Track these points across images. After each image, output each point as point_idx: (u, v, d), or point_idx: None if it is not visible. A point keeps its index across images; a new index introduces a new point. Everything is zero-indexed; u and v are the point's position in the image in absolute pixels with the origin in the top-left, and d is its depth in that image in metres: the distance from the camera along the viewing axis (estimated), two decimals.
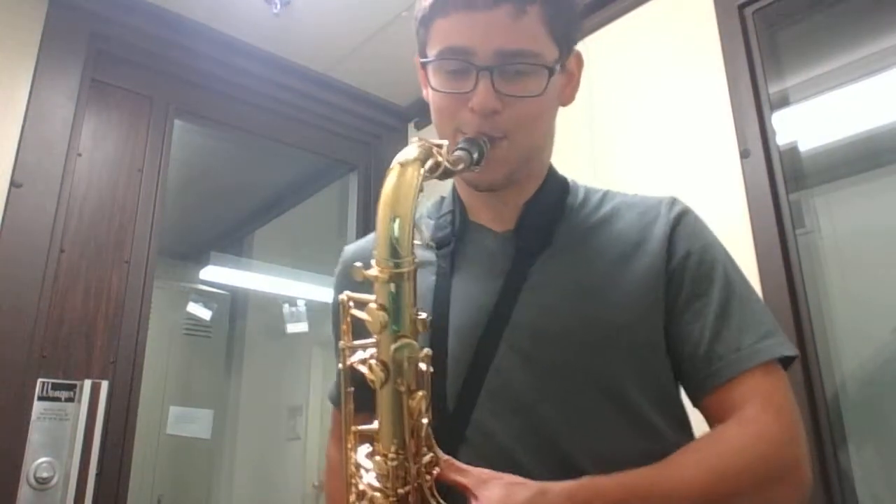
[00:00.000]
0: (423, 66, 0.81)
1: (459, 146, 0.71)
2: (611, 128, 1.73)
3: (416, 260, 0.63)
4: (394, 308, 0.61)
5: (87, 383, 1.64)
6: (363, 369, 0.63)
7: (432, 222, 0.88)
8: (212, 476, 3.51)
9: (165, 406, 2.96)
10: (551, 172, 0.87)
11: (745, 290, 0.77)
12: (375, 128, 2.49)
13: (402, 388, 0.62)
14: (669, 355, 0.76)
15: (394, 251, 0.61)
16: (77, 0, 1.81)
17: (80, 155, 1.78)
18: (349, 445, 0.68)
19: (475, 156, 0.71)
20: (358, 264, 0.62)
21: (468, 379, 0.74)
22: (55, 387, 1.60)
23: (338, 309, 0.91)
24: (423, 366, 0.64)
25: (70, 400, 1.61)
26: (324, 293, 3.28)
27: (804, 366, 1.33)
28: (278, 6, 1.93)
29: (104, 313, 1.73)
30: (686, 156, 1.61)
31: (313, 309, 3.40)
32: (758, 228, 1.43)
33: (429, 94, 0.83)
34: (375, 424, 0.64)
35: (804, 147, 1.56)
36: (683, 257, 0.77)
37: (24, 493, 1.51)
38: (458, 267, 0.82)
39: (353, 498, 0.67)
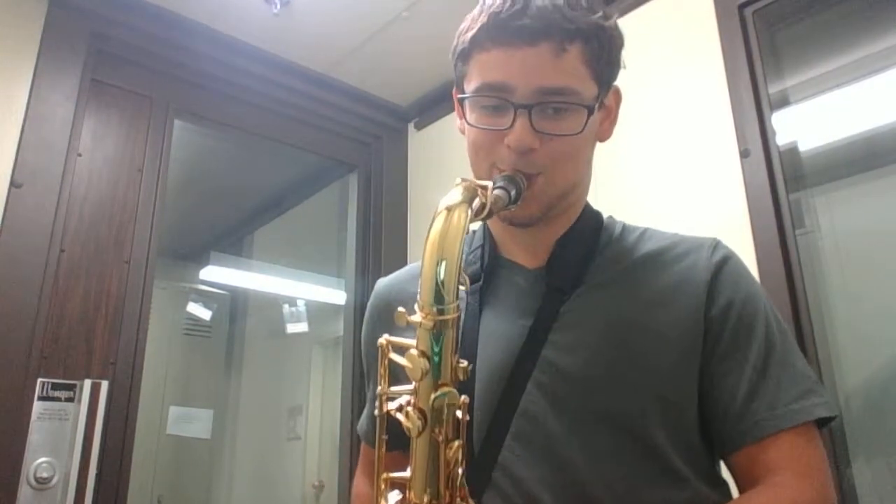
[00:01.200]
0: (461, 100, 0.80)
1: (497, 185, 0.70)
2: None
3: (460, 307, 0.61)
4: (435, 356, 0.60)
5: (87, 383, 1.64)
6: (400, 417, 0.62)
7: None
8: (212, 476, 3.51)
9: (165, 406, 2.95)
10: (586, 208, 0.85)
11: (786, 346, 0.75)
12: (375, 128, 2.49)
13: (440, 438, 0.60)
14: (701, 406, 0.74)
15: (439, 297, 0.59)
16: (77, 0, 1.81)
17: (80, 155, 1.78)
18: (381, 489, 0.67)
19: (513, 194, 0.70)
20: (401, 309, 0.61)
21: (495, 421, 0.73)
22: (55, 387, 1.60)
23: (370, 347, 0.91)
24: (458, 413, 0.62)
25: (70, 400, 1.61)
26: (324, 293, 3.29)
27: None
28: (278, 6, 1.93)
29: (104, 313, 1.73)
30: (686, 156, 1.61)
31: (313, 309, 3.40)
32: (758, 228, 1.43)
33: (465, 128, 0.82)
34: (408, 472, 0.63)
35: (804, 147, 1.56)
36: (725, 307, 0.74)
37: (24, 493, 1.51)
38: (487, 304, 0.81)
39: None
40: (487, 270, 0.83)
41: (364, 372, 0.97)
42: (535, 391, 0.73)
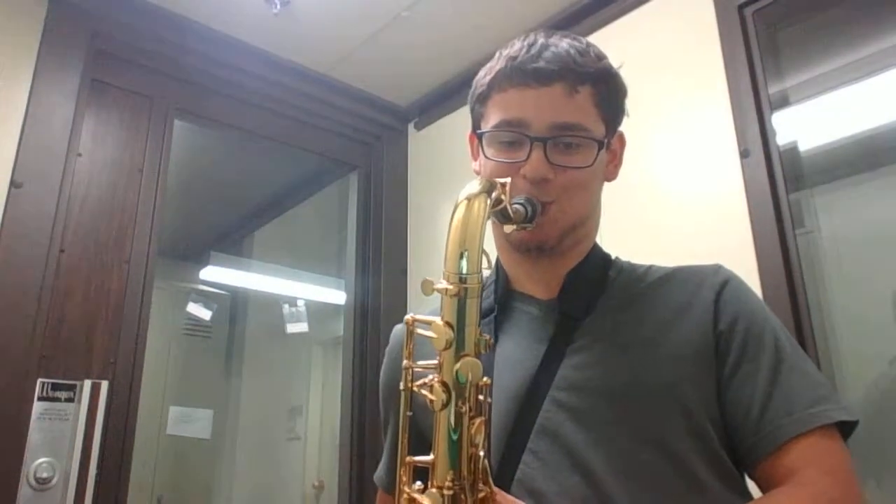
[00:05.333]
0: (479, 137, 0.86)
1: (517, 201, 0.75)
2: None
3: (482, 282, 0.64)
4: (459, 325, 0.63)
5: (87, 383, 1.64)
6: (425, 392, 0.64)
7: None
8: (212, 476, 3.51)
9: (165, 406, 2.95)
10: (595, 247, 0.89)
11: (797, 355, 0.76)
12: (375, 128, 2.49)
13: (463, 410, 0.62)
14: (722, 420, 0.75)
15: (462, 267, 0.64)
16: (77, 0, 1.81)
17: (80, 155, 1.78)
18: (403, 479, 0.67)
19: (530, 210, 0.75)
20: (429, 278, 0.64)
21: (513, 437, 0.74)
22: (55, 387, 1.60)
23: (388, 392, 0.94)
24: (481, 397, 0.65)
25: (70, 400, 1.61)
26: (324, 293, 3.29)
27: None
28: (278, 6, 1.93)
29: (104, 313, 1.73)
30: (686, 156, 1.61)
31: (313, 309, 3.40)
32: (758, 228, 1.43)
33: (481, 165, 0.86)
34: (430, 457, 0.64)
35: (804, 147, 1.56)
36: (731, 322, 0.77)
37: (24, 493, 1.51)
38: (502, 333, 0.84)
39: None
40: (501, 302, 0.86)
41: (382, 416, 0.98)
42: (552, 407, 0.75)
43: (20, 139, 1.66)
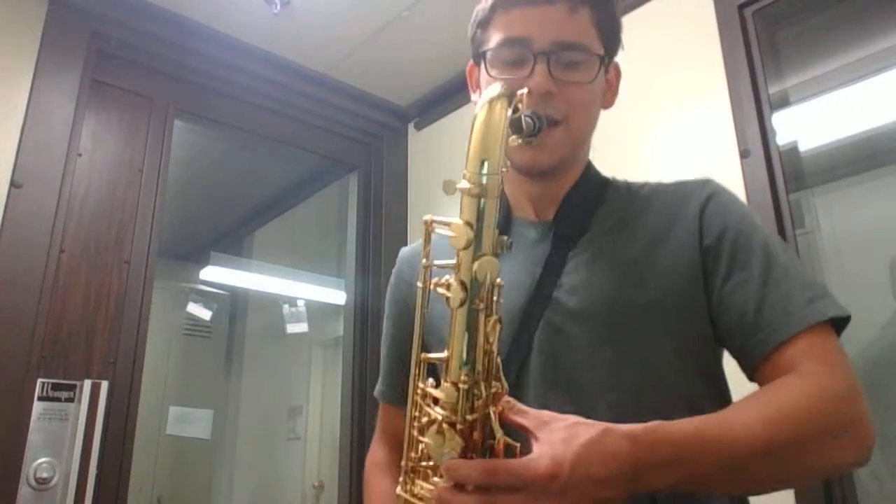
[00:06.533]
0: (481, 57, 0.86)
1: (526, 114, 0.75)
2: (610, 127, 1.73)
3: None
4: (478, 225, 0.63)
5: (87, 383, 1.64)
6: (441, 291, 0.64)
7: None
8: (212, 476, 3.51)
9: (165, 406, 2.96)
10: (589, 166, 0.91)
11: (788, 258, 0.77)
12: (375, 128, 2.49)
13: (481, 307, 0.63)
14: (717, 331, 0.77)
15: (483, 168, 0.64)
16: (77, 0, 1.81)
17: (80, 155, 1.78)
18: (416, 373, 0.69)
19: (536, 125, 0.76)
20: (451, 179, 0.64)
21: (510, 355, 0.78)
22: (55, 387, 1.60)
23: (393, 302, 0.97)
24: (495, 298, 0.66)
25: (70, 400, 1.61)
26: (324, 293, 3.29)
27: None
28: (278, 6, 1.93)
29: (104, 313, 1.73)
30: (686, 156, 1.61)
31: (313, 309, 3.41)
32: None
33: (483, 88, 0.87)
34: (444, 354, 0.65)
35: (804, 147, 1.56)
36: (719, 233, 0.78)
37: (24, 493, 1.51)
38: (501, 258, 0.85)
39: (415, 432, 0.68)
40: (501, 228, 0.87)
41: (383, 333, 0.99)
42: (547, 328, 0.78)
43: (20, 139, 1.66)
